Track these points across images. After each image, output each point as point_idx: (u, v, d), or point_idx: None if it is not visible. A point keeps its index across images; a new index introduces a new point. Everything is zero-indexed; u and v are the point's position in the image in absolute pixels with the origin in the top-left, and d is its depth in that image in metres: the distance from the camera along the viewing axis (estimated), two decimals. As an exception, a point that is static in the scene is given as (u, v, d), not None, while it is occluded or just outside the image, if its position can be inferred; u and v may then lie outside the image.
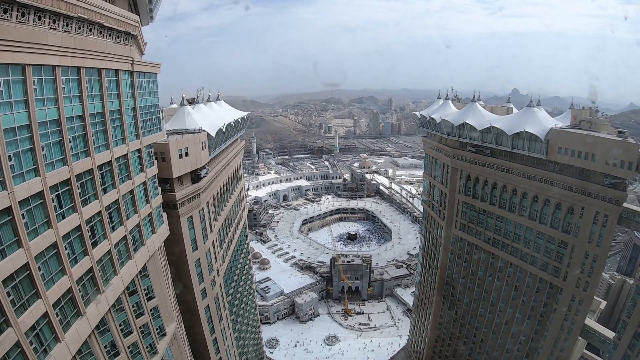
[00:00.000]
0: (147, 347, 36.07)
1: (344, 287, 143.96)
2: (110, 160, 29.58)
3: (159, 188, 39.69)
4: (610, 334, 55.47)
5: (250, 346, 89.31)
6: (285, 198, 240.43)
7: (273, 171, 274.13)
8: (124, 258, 32.35)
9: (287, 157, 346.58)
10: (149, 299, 36.89)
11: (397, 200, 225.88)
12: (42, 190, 22.27)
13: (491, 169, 67.80)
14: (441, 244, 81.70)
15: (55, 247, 23.55)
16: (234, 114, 73.12)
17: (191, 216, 48.91)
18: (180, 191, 45.88)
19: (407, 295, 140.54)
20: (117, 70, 29.89)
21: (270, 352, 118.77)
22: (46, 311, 22.65)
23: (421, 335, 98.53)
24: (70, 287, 24.86)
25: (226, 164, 65.28)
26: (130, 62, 31.52)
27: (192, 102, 61.87)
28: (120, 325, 32.11)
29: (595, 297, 59.27)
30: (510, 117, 66.13)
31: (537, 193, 60.85)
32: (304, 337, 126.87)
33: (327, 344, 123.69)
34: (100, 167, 28.25)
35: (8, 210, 19.97)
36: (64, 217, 24.45)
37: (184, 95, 58.37)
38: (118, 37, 30.37)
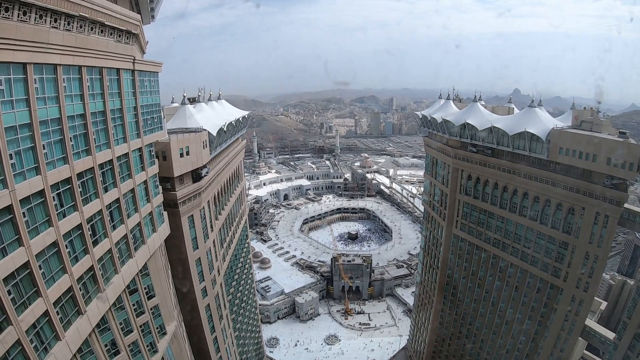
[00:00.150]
0: (147, 346, 36.12)
1: (344, 286, 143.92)
2: (112, 159, 29.64)
3: (160, 187, 39.74)
4: (610, 335, 55.42)
5: (250, 345, 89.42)
6: (286, 197, 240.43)
7: (274, 170, 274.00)
8: (125, 257, 32.41)
9: (288, 156, 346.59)
10: (149, 298, 36.95)
11: (398, 200, 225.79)
12: (43, 188, 22.33)
13: (492, 169, 67.72)
14: (442, 244, 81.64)
15: (56, 245, 23.60)
16: (235, 113, 73.12)
17: (192, 215, 48.95)
18: (181, 190, 45.91)
19: (408, 295, 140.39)
20: (118, 69, 29.92)
21: (271, 352, 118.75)
22: (47, 310, 22.71)
23: (421, 335, 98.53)
24: (71, 285, 24.93)
25: (227, 163, 65.28)
26: (132, 61, 31.54)
27: (193, 101, 61.91)
28: (120, 323, 32.17)
29: (595, 298, 59.15)
30: (512, 118, 66.05)
31: (538, 193, 60.75)
32: (304, 337, 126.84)
33: (328, 344, 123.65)
34: (101, 165, 28.31)
35: (9, 208, 20.02)
36: (64, 216, 24.50)
37: (185, 94, 58.45)
38: (119, 36, 30.40)
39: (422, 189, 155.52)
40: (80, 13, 24.03)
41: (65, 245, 24.41)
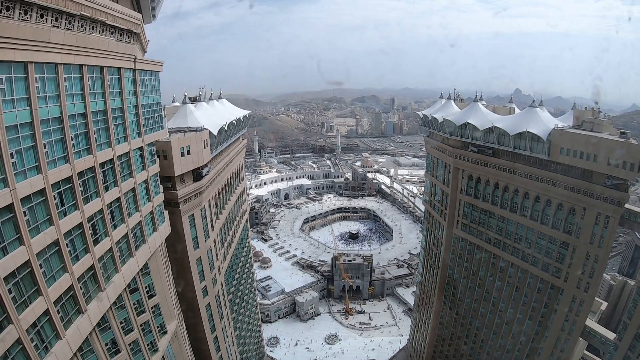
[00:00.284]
0: (147, 345, 36.15)
1: (345, 286, 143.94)
2: (112, 158, 29.64)
3: (161, 186, 39.75)
4: (611, 335, 55.40)
5: (250, 344, 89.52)
6: (286, 197, 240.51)
7: (275, 170, 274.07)
8: (126, 256, 32.42)
9: (289, 155, 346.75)
10: (150, 297, 36.98)
11: (399, 200, 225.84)
12: (44, 187, 22.34)
13: (493, 169, 67.65)
14: (442, 244, 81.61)
15: (56, 244, 23.61)
16: (236, 113, 73.11)
17: (193, 214, 49.01)
18: (182, 189, 45.95)
19: (408, 294, 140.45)
20: (119, 68, 29.91)
21: (271, 351, 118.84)
22: (47, 308, 22.73)
23: (422, 335, 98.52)
24: (72, 284, 24.95)
25: (228, 163, 65.31)
26: (133, 60, 31.52)
27: (194, 100, 61.90)
28: (121, 322, 32.20)
29: (596, 298, 59.11)
30: (513, 117, 65.98)
31: (538, 193, 60.70)
32: (305, 336, 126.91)
33: (328, 343, 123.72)
34: (102, 164, 28.32)
35: (10, 207, 20.03)
36: (65, 215, 24.51)
37: (186, 94, 58.49)
38: (120, 35, 30.42)
39: (422, 188, 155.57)
40: (82, 12, 24.04)
41: (66, 244, 24.43)
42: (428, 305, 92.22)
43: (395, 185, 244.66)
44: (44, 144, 22.32)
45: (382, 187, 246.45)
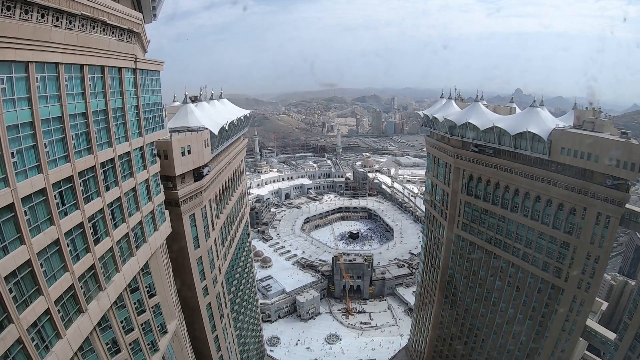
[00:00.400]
0: (148, 345, 36.21)
1: (345, 285, 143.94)
2: (113, 158, 29.68)
3: (162, 186, 39.80)
4: (611, 335, 55.36)
5: (251, 344, 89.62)
6: (287, 196, 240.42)
7: (275, 169, 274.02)
8: (126, 255, 32.47)
9: (289, 155, 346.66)
10: (150, 297, 37.04)
11: (399, 200, 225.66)
12: (45, 187, 22.37)
13: (493, 168, 67.60)
14: (443, 244, 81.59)
15: (57, 244, 23.65)
16: (237, 112, 73.12)
17: (193, 214, 49.04)
18: (183, 189, 45.98)
19: (409, 294, 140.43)
20: (120, 68, 29.94)
21: (271, 350, 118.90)
22: (48, 308, 22.78)
23: (422, 335, 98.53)
24: (72, 284, 24.98)
25: (228, 162, 65.34)
26: (133, 59, 31.55)
27: (194, 99, 61.95)
28: (121, 322, 32.27)
29: (596, 298, 59.12)
30: (513, 117, 65.92)
31: (539, 193, 60.64)
32: (305, 336, 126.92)
33: (328, 343, 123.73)
34: (102, 164, 28.36)
35: (10, 207, 20.07)
36: (66, 214, 24.55)
37: (186, 93, 58.55)
38: (121, 35, 30.43)
39: (423, 188, 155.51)
40: (82, 12, 24.06)
41: (67, 244, 24.46)
42: (428, 305, 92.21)
43: (395, 185, 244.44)
44: (45, 144, 22.35)
45: (383, 186, 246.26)
